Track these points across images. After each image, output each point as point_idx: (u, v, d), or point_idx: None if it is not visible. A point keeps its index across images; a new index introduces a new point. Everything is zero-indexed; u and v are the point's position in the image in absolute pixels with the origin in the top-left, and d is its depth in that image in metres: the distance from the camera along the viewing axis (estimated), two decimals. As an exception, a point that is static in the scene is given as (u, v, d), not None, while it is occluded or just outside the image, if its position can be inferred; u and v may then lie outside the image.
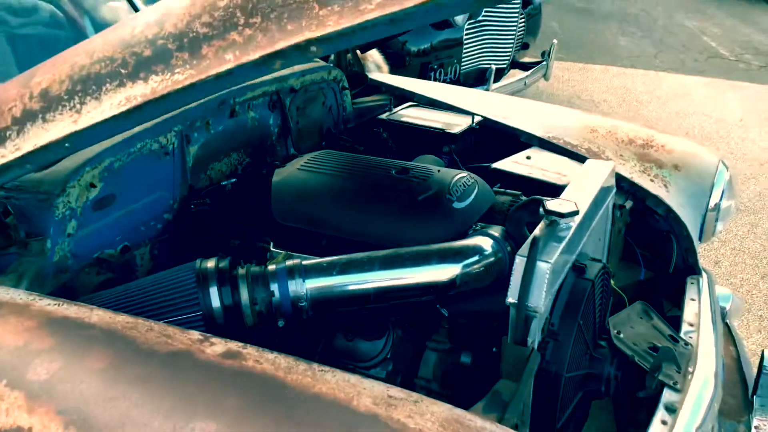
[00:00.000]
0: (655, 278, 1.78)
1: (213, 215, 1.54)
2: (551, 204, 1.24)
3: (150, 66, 0.94)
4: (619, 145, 1.87)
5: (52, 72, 1.02)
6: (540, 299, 1.12)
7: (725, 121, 5.20)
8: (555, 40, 4.68)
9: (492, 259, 1.28)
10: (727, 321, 2.09)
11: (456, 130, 1.88)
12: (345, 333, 1.33)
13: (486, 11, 4.14)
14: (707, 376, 1.35)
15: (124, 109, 0.94)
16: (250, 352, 0.97)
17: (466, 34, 4.10)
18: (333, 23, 0.84)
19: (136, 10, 1.68)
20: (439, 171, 1.51)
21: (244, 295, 1.21)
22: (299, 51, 0.83)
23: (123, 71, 0.95)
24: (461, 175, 1.48)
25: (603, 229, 1.56)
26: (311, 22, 0.86)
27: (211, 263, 1.23)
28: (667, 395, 1.28)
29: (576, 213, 1.23)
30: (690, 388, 1.30)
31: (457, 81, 4.16)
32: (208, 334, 1.01)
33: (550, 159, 1.81)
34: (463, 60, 4.14)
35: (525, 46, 4.87)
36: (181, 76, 0.91)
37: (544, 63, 4.62)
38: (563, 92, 5.61)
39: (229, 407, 0.88)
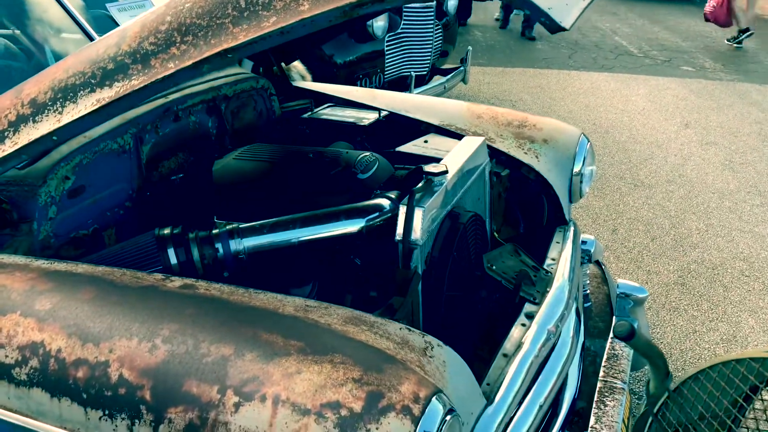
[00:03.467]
0: (532, 230, 2.19)
1: (165, 202, 1.87)
2: (427, 167, 1.62)
3: (113, 76, 1.29)
4: (499, 127, 2.27)
5: (37, 85, 1.35)
6: (418, 235, 1.50)
7: (629, 111, 5.72)
8: (470, 47, 5.12)
9: (389, 214, 1.65)
10: (603, 268, 2.53)
11: (365, 122, 2.26)
12: (280, 285, 1.68)
13: (403, 24, 4.55)
14: (559, 294, 1.74)
15: (95, 107, 1.28)
16: (201, 284, 1.31)
17: (387, 46, 4.48)
18: (242, 36, 1.21)
19: (90, 38, 1.99)
20: (347, 152, 1.88)
21: (195, 253, 1.55)
22: (219, 57, 1.20)
23: (93, 81, 1.30)
24: (365, 154, 1.86)
25: (482, 190, 1.96)
26: (228, 37, 1.22)
27: (167, 230, 1.57)
28: (528, 307, 1.68)
29: (445, 173, 1.62)
30: (546, 302, 1.70)
31: (382, 88, 4.54)
32: (168, 274, 1.35)
33: (444, 141, 2.20)
34: (386, 69, 4.53)
35: (444, 54, 5.30)
36: (137, 81, 1.26)
37: (462, 68, 5.06)
38: (484, 94, 6.05)
39: (187, 315, 1.21)
